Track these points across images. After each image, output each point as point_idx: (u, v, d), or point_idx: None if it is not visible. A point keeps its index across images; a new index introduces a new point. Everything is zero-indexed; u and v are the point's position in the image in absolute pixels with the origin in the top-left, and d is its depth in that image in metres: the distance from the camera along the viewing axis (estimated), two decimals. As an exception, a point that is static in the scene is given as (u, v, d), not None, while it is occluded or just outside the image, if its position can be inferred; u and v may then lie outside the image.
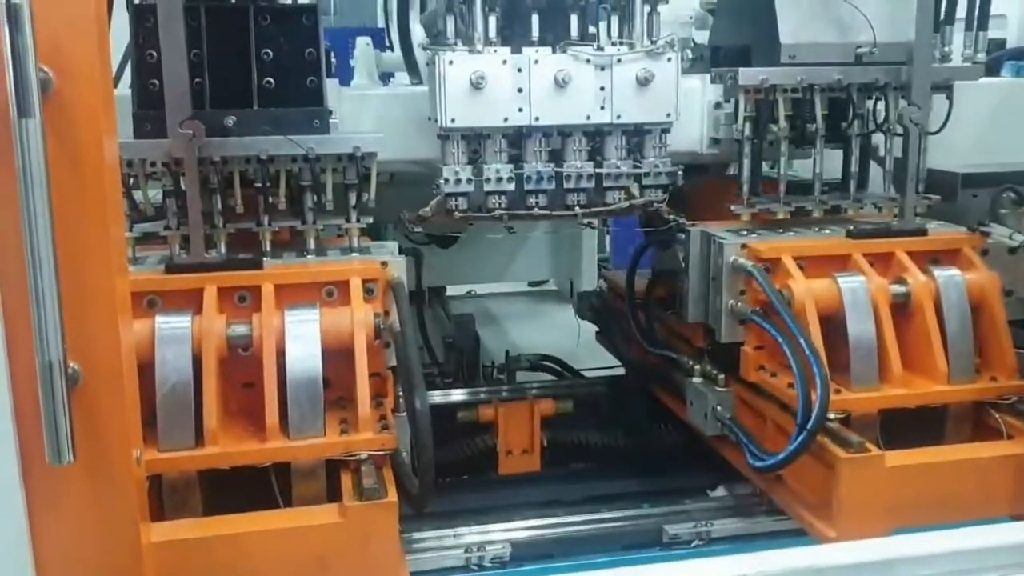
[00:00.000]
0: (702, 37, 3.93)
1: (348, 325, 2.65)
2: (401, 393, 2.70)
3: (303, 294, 2.72)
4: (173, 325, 2.57)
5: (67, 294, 1.68)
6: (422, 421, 2.46)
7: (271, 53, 2.79)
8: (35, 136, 1.61)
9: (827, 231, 3.24)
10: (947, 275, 3.01)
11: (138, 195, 2.79)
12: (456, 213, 3.01)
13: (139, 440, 1.93)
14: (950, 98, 3.24)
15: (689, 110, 3.24)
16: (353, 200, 2.88)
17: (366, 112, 3.13)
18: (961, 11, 3.26)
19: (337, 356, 2.64)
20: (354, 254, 2.90)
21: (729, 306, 3.05)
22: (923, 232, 3.16)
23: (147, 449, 2.23)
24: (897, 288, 2.99)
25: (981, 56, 3.28)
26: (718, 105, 3.35)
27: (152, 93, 2.68)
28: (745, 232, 3.19)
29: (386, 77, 4.05)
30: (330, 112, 2.90)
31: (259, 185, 2.78)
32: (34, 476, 1.80)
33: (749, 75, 3.10)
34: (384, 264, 2.79)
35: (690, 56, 3.46)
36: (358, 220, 2.89)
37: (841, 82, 3.13)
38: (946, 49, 3.28)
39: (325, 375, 2.60)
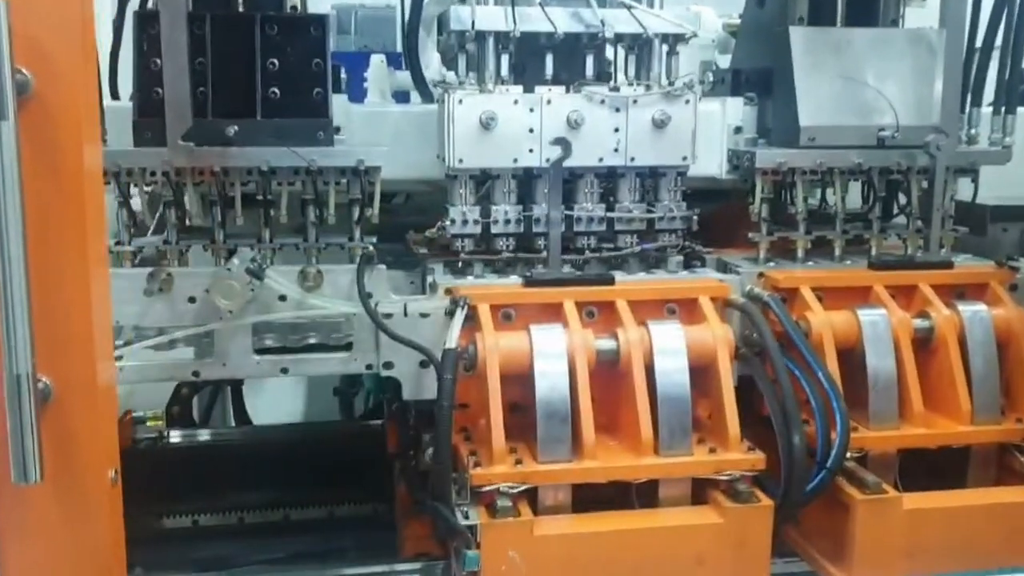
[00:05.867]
0: (725, 61, 3.85)
1: (710, 342, 2.67)
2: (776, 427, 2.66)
3: (648, 311, 2.76)
4: (548, 338, 2.62)
5: (39, 305, 1.61)
6: (798, 457, 2.54)
7: (277, 63, 2.72)
8: (8, 139, 1.55)
9: (848, 261, 3.14)
10: (973, 310, 2.90)
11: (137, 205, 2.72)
12: (462, 255, 2.94)
13: (115, 459, 1.85)
14: (975, 182, 3.18)
15: (709, 135, 3.15)
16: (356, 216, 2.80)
17: (376, 130, 3.05)
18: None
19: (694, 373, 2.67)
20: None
21: (745, 337, 2.95)
22: (949, 265, 3.06)
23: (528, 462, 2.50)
24: (920, 323, 2.88)
25: (1009, 140, 3.19)
26: (738, 130, 3.26)
27: (154, 101, 2.62)
28: (763, 260, 3.11)
29: (402, 96, 3.98)
30: (337, 128, 2.84)
31: (260, 198, 2.71)
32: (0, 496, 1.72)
33: (767, 157, 3.03)
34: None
35: (711, 79, 3.39)
36: (362, 238, 2.81)
37: (862, 166, 3.04)
38: (973, 131, 3.21)
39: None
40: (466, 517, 2.41)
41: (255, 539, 3.63)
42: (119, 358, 2.69)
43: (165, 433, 3.96)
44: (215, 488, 3.75)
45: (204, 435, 4.10)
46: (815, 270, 3.07)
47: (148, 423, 3.97)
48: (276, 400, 5.17)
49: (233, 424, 4.65)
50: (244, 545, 3.58)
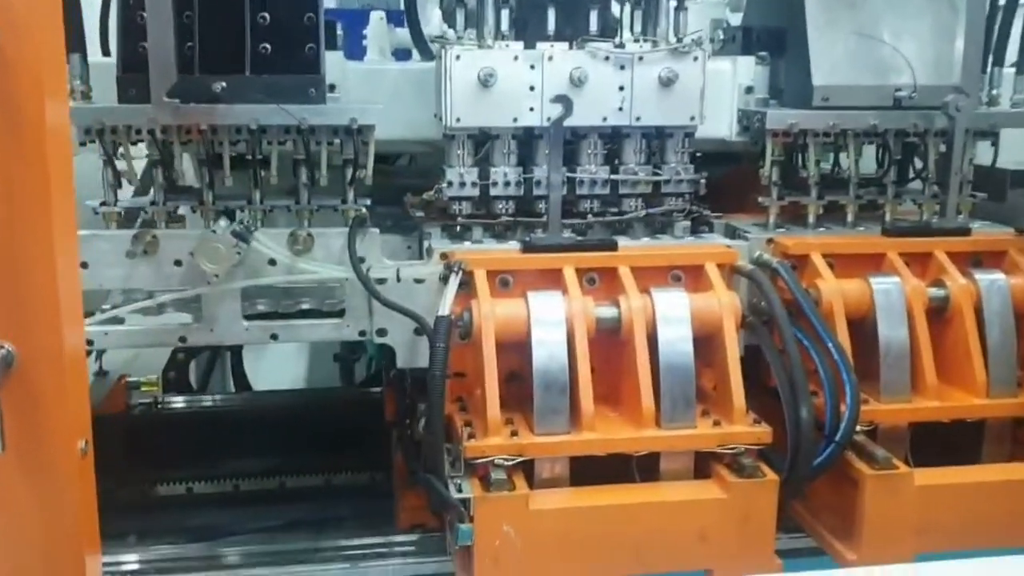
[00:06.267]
0: (737, 19, 3.71)
1: (716, 310, 2.58)
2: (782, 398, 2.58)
3: (651, 278, 2.67)
4: (546, 305, 2.53)
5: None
6: (805, 430, 2.47)
7: (267, 17, 2.59)
8: (-38, 92, 1.45)
9: (861, 228, 3.04)
10: (990, 279, 2.80)
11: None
12: (459, 218, 2.83)
13: (85, 429, 1.76)
14: (995, 145, 3.05)
15: (719, 95, 3.03)
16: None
17: (373, 88, 2.93)
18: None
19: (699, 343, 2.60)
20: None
21: (751, 305, 2.85)
22: (966, 232, 2.95)
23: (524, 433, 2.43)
24: (935, 291, 2.79)
25: None
26: (749, 90, 3.14)
27: (139, 56, 2.50)
28: (772, 226, 3.00)
29: (403, 54, 3.85)
30: (332, 87, 2.73)
31: (249, 158, 2.61)
32: (-38, 468, 1.64)
33: (777, 118, 2.91)
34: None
35: (722, 37, 3.27)
36: (355, 201, 2.71)
37: (877, 128, 2.92)
38: (994, 92, 3.08)
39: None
40: (459, 490, 2.33)
41: (250, 507, 3.57)
42: (120, 321, 2.65)
43: (160, 399, 3.90)
44: (210, 455, 3.69)
45: (199, 401, 4.04)
46: (826, 236, 2.97)
47: (143, 388, 3.91)
48: (278, 366, 5.10)
49: (233, 390, 4.59)
50: (239, 513, 3.52)
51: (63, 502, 1.71)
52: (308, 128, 2.56)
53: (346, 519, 3.44)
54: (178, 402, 3.99)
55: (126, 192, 2.84)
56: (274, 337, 2.72)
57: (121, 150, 2.59)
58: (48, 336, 1.62)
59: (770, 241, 2.90)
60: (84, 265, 2.55)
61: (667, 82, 2.80)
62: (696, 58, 2.82)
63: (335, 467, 3.69)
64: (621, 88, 2.79)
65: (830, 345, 2.59)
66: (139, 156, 2.71)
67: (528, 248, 2.71)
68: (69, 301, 1.66)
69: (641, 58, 2.78)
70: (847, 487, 2.54)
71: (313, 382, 5.07)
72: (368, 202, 2.72)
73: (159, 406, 3.89)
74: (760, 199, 3.02)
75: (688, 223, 2.95)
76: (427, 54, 3.23)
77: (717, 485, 2.46)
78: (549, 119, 2.72)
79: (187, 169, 2.76)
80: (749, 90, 3.13)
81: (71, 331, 1.67)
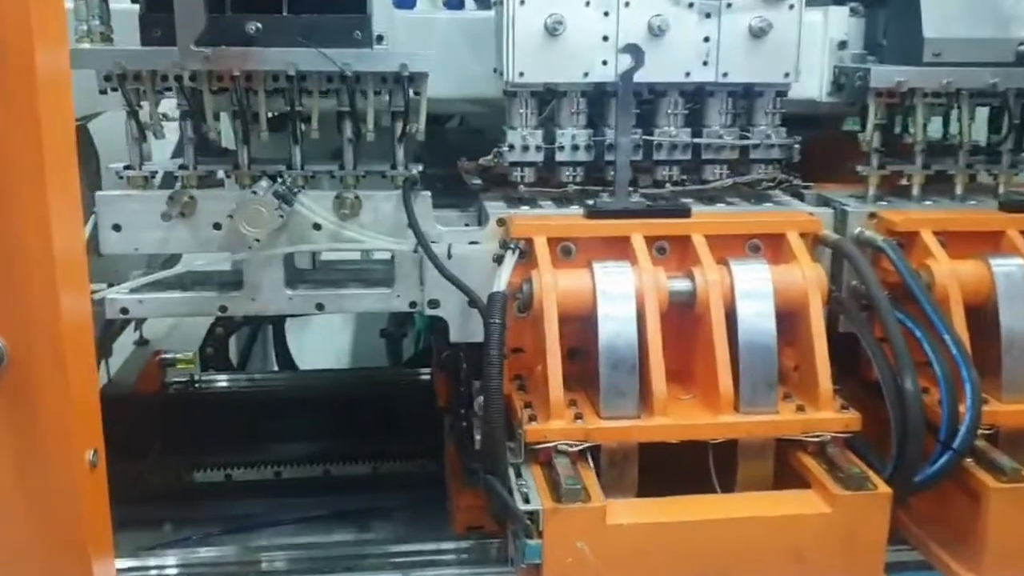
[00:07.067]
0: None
1: (800, 283, 2.32)
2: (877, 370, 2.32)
3: (727, 247, 2.42)
4: (614, 277, 2.29)
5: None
6: (912, 404, 2.19)
7: (307, -50, 2.33)
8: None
9: (972, 201, 2.70)
10: None
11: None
12: (521, 186, 2.55)
13: (95, 436, 1.49)
14: None
15: (808, 51, 2.69)
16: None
17: (423, 40, 2.66)
18: None
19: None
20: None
21: (852, 288, 2.53)
22: (1098, 206, 2.59)
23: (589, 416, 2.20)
24: (1063, 276, 2.43)
25: None
26: (843, 45, 2.82)
27: (165, -7, 2.25)
28: (872, 198, 2.67)
29: (456, 3, 3.56)
30: (380, 37, 2.45)
31: (288, 109, 2.35)
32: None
33: (882, 75, 2.58)
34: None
35: (813, -14, 2.93)
36: (406, 164, 2.43)
37: (996, 87, 2.58)
38: None
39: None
40: (526, 500, 2.05)
41: (292, 496, 3.38)
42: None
43: (197, 377, 3.69)
44: (250, 439, 3.51)
45: (238, 380, 3.84)
46: (937, 211, 2.63)
47: (179, 366, 3.70)
48: (322, 341, 4.91)
49: (275, 368, 4.38)
50: (280, 502, 3.34)
51: (71, 520, 1.45)
52: (353, 76, 2.29)
53: (395, 510, 3.23)
54: (217, 381, 3.79)
55: (166, 153, 2.65)
56: (320, 307, 2.49)
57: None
58: (45, 330, 1.35)
59: (872, 215, 2.56)
60: (117, 228, 2.38)
61: (759, 33, 2.49)
62: (792, 6, 2.50)
63: (383, 455, 3.47)
64: (706, 39, 2.48)
65: (946, 336, 2.26)
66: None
67: (592, 213, 2.44)
68: (72, 282, 1.39)
69: (729, 5, 2.47)
70: (963, 499, 2.22)
71: (359, 359, 4.87)
72: (420, 167, 2.45)
73: (196, 385, 3.70)
74: (859, 168, 2.69)
75: (789, 197, 2.65)
76: (482, 2, 2.95)
77: (820, 497, 2.15)
78: (624, 73, 2.43)
79: (227, 131, 2.52)
80: (842, 45, 2.82)
81: (73, 318, 1.39)
